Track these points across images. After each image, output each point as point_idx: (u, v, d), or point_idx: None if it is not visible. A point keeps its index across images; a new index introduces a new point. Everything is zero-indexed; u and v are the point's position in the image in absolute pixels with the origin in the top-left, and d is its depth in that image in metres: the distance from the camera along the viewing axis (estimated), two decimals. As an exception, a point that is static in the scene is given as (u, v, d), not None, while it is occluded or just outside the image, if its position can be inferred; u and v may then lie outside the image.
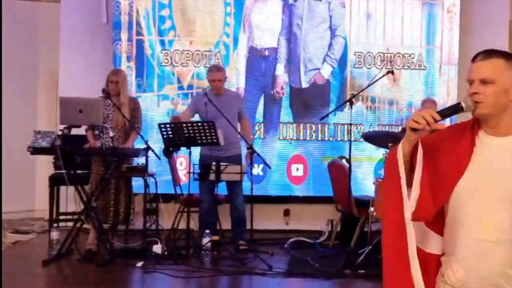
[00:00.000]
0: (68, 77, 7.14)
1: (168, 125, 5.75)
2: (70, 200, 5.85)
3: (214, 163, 5.74)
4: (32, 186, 8.12)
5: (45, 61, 8.12)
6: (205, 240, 5.63)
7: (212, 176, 5.74)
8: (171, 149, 5.81)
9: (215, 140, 5.75)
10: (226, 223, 6.28)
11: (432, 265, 2.10)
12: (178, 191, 6.14)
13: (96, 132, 5.66)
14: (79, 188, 5.62)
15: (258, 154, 6.06)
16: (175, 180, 6.21)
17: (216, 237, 5.78)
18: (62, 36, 7.25)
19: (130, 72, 6.93)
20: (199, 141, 5.73)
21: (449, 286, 2.05)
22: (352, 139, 6.13)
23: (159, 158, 5.75)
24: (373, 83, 5.81)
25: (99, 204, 5.67)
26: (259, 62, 6.99)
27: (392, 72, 5.88)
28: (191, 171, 5.77)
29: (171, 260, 5.50)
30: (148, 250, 5.63)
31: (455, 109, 2.03)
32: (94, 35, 7.21)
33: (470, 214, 1.98)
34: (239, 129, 6.17)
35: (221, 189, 6.08)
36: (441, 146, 2.04)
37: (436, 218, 2.06)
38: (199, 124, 5.76)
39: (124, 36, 7.02)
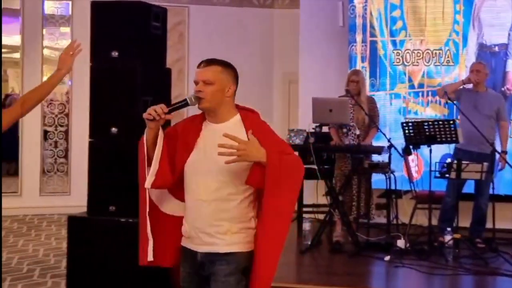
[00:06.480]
0: (307, 79, 7.61)
1: (410, 124, 5.92)
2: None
3: (455, 161, 5.80)
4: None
5: (279, 64, 8.71)
6: (447, 237, 5.67)
7: (452, 175, 5.80)
8: (411, 147, 5.97)
9: (454, 138, 5.82)
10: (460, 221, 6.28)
11: (168, 224, 2.73)
12: (413, 187, 6.24)
13: (344, 130, 6.01)
14: (328, 183, 6.00)
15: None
16: (410, 176, 6.34)
17: (458, 235, 5.78)
18: (301, 41, 7.74)
19: (364, 72, 7.19)
20: (439, 139, 5.84)
21: (184, 237, 2.70)
22: None
23: (402, 156, 5.94)
24: None
25: (344, 199, 6.00)
26: (489, 59, 6.87)
27: None
28: (434, 169, 5.85)
29: (414, 256, 5.61)
30: (392, 245, 5.80)
31: (182, 103, 2.61)
32: (331, 39, 7.61)
33: (193, 182, 2.63)
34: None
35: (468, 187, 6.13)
36: (179, 133, 2.70)
37: (177, 187, 2.70)
38: (440, 122, 5.87)
39: (358, 38, 7.33)
